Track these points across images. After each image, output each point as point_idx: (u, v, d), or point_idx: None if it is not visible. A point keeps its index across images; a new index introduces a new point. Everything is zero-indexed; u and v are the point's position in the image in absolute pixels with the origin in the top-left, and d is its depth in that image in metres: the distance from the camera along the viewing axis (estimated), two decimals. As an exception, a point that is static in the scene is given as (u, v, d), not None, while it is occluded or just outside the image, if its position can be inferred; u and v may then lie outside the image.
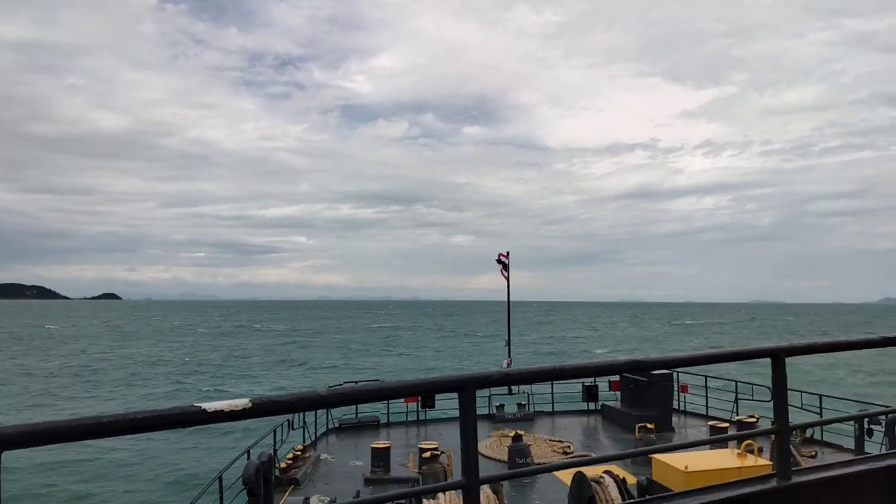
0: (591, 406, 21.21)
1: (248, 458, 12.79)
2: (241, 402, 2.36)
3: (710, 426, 16.43)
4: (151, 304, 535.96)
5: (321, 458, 15.79)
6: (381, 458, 14.00)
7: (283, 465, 14.41)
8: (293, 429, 16.33)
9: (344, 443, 17.65)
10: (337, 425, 19.07)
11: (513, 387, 20.87)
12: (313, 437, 17.50)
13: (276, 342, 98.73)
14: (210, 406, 2.32)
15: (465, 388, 2.87)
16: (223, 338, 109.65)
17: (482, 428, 18.68)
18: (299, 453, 15.48)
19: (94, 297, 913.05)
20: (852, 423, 13.84)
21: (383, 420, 19.75)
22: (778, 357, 3.66)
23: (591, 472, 10.87)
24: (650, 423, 16.55)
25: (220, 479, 10.76)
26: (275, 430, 14.89)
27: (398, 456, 15.14)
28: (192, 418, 2.30)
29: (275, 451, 14.43)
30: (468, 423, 2.87)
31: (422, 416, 20.10)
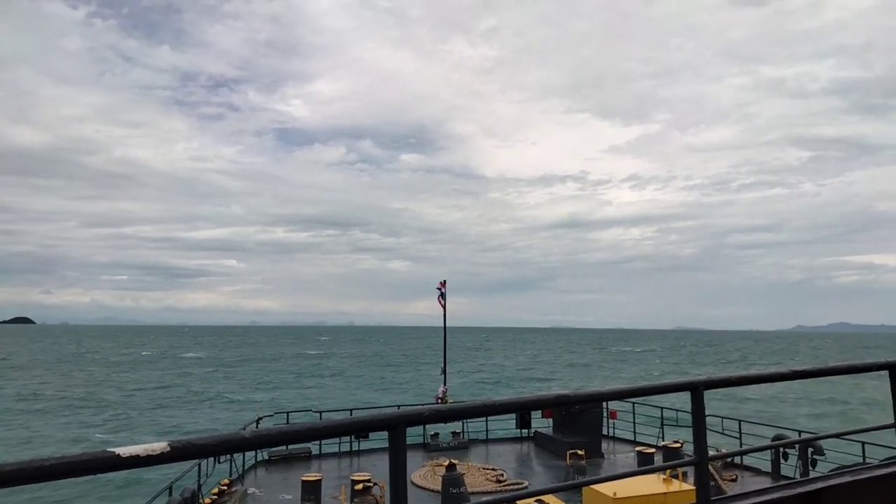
0: (525, 433, 21.43)
1: (170, 493, 12.22)
2: (159, 446, 2.25)
3: (638, 452, 16.89)
4: (67, 329, 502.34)
5: (249, 492, 15.19)
6: (311, 491, 13.61)
7: (207, 500, 13.80)
8: (219, 462, 15.68)
9: (273, 476, 17.05)
10: (266, 457, 18.43)
11: None
12: (241, 471, 16.84)
13: (196, 371, 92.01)
14: (125, 451, 2.19)
15: (396, 426, 2.82)
16: (135, 367, 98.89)
17: (416, 457, 18.50)
18: (225, 488, 14.86)
19: (4, 322, 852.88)
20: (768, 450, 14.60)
21: (315, 451, 19.25)
22: (697, 390, 3.79)
23: (523, 501, 10.95)
24: (581, 450, 16.85)
25: None
26: (199, 464, 14.25)
27: (330, 489, 14.76)
28: (105, 464, 2.16)
29: (199, 485, 13.81)
30: (398, 462, 2.82)
31: (355, 447, 19.73)
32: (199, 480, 14.02)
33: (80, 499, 25.87)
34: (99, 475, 2.23)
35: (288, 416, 20.25)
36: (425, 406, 3.22)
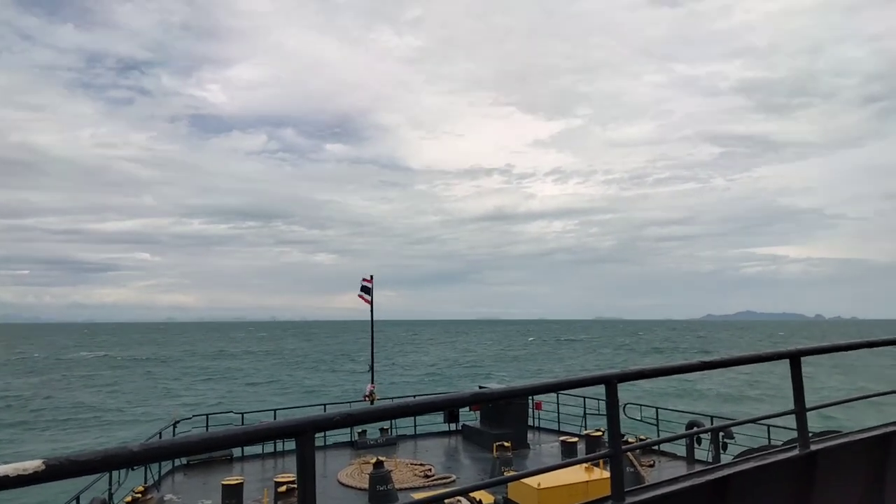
0: (453, 427, 21.58)
1: (78, 505, 11.47)
2: (32, 465, 2.02)
3: (562, 441, 17.35)
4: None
5: (165, 499, 14.49)
6: (232, 495, 13.14)
7: (119, 510, 13.07)
8: (133, 469, 14.85)
9: (192, 481, 16.32)
10: (184, 462, 17.63)
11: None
12: (156, 477, 16.03)
13: (83, 372, 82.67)
14: None
15: (304, 432, 2.68)
16: (17, 372, 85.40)
17: (344, 455, 18.26)
18: (139, 496, 14.12)
19: None
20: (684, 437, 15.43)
21: (237, 454, 18.60)
22: (610, 383, 3.84)
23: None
24: (507, 442, 17.12)
25: None
26: (111, 472, 13.45)
27: (252, 492, 14.28)
28: None
29: (110, 494, 13.08)
30: (306, 470, 2.68)
31: (279, 448, 19.21)
32: (109, 489, 13.25)
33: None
34: None
35: (207, 419, 19.45)
36: (336, 410, 3.10)
